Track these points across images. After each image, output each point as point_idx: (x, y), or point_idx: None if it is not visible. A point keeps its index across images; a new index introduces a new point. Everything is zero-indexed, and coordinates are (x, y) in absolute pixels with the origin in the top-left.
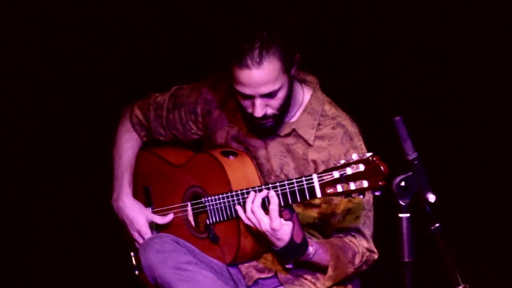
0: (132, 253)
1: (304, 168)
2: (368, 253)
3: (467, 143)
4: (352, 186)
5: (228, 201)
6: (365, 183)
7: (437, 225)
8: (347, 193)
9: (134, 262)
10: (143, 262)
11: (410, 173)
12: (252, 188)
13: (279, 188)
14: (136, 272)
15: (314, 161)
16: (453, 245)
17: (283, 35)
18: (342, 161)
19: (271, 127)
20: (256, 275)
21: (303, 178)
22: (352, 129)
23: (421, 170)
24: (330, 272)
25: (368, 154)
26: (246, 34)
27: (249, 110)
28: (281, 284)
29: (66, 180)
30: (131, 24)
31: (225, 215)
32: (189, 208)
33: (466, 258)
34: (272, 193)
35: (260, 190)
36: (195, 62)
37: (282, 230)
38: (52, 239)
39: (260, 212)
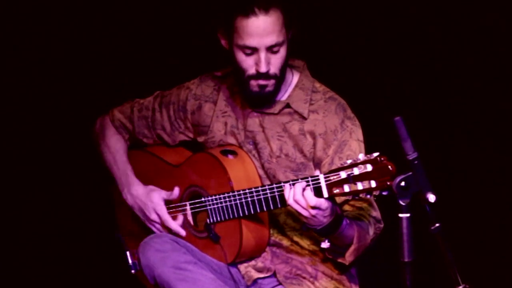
0: (127, 252)
1: (302, 143)
2: (377, 224)
3: (467, 143)
4: (360, 186)
5: (230, 201)
6: (373, 183)
7: (437, 225)
8: (354, 193)
9: (130, 261)
10: (142, 262)
11: (410, 173)
12: (255, 187)
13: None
14: (133, 271)
15: (310, 133)
16: (453, 245)
17: None
18: (349, 161)
19: (269, 94)
20: (255, 274)
21: (309, 178)
22: (344, 101)
23: (421, 170)
24: (355, 244)
25: (375, 154)
26: None
27: (251, 71)
28: (280, 284)
29: (62, 180)
30: (116, 28)
31: (227, 215)
32: (188, 207)
33: (466, 258)
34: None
35: (279, 187)
36: (178, 70)
37: (329, 207)
38: (48, 239)
39: (317, 204)
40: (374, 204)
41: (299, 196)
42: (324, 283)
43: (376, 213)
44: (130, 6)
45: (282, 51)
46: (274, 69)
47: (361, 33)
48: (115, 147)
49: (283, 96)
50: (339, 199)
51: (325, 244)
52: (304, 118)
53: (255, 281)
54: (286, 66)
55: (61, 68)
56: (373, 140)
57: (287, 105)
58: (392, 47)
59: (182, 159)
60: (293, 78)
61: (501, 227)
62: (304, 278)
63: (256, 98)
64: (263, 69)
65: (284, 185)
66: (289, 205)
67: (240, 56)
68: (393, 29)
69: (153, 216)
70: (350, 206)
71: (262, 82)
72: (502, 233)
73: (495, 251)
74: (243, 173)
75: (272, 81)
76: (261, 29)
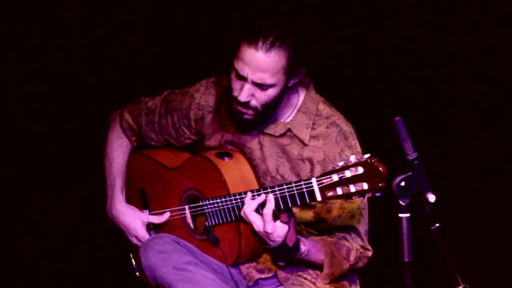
0: (131, 255)
1: (299, 168)
2: (361, 250)
3: (467, 143)
4: (352, 188)
5: (227, 204)
6: (365, 185)
7: (437, 225)
8: (347, 196)
9: (134, 264)
10: (143, 263)
11: (410, 173)
12: (251, 190)
13: (277, 192)
14: (137, 273)
15: (309, 160)
16: (453, 245)
17: (302, 39)
18: (341, 164)
19: (247, 121)
20: (256, 275)
21: (302, 182)
22: (347, 128)
23: (421, 170)
24: (326, 269)
25: (366, 156)
26: (271, 19)
27: (235, 93)
28: (281, 284)
29: (66, 180)
30: (120, 26)
31: (224, 218)
32: (187, 210)
33: (466, 258)
34: (270, 197)
35: (259, 194)
36: (186, 66)
37: (276, 233)
38: (52, 240)
39: (253, 215)
40: (362, 233)
41: (249, 211)
42: (325, 284)
43: (363, 242)
44: (137, 5)
45: (271, 91)
46: (256, 102)
47: (361, 33)
48: (113, 155)
49: (287, 118)
50: (324, 222)
51: (280, 262)
52: (305, 145)
53: (257, 281)
54: (273, 104)
55: (66, 68)
56: (373, 140)
57: (289, 130)
58: (392, 47)
59: (179, 162)
60: (299, 99)
61: (501, 227)
62: (305, 279)
63: (236, 119)
64: (241, 98)
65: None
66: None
67: (232, 75)
68: (393, 29)
69: (134, 241)
70: (335, 234)
71: (240, 108)
72: (502, 233)
73: (495, 251)
74: (239, 175)
75: (251, 112)
76: (254, 63)
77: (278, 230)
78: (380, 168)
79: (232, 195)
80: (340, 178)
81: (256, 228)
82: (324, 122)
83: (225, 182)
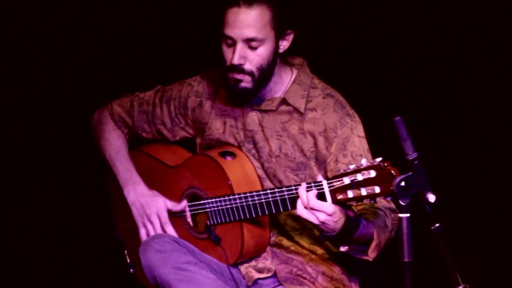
0: (125, 251)
1: (301, 142)
2: (392, 215)
3: (467, 143)
4: (364, 192)
5: (231, 203)
6: (377, 189)
7: (437, 225)
8: (358, 199)
9: (128, 261)
10: (143, 262)
11: (410, 173)
12: (257, 191)
13: (285, 192)
14: (131, 270)
15: (311, 133)
16: (453, 245)
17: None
18: (352, 166)
19: (245, 90)
20: (256, 275)
21: (312, 184)
22: (342, 98)
23: (421, 170)
24: (376, 239)
25: (378, 160)
26: None
27: (228, 61)
28: (280, 284)
29: (58, 178)
30: (115, 25)
31: (227, 217)
32: (187, 208)
33: (466, 258)
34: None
35: (290, 190)
36: (179, 67)
37: (337, 211)
38: (46, 239)
39: (315, 208)
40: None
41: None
42: (324, 283)
43: (390, 204)
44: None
45: (262, 50)
46: (250, 65)
47: (361, 33)
48: (117, 143)
49: (282, 94)
50: None
51: (343, 248)
52: (301, 114)
53: (256, 281)
54: (268, 68)
55: (58, 64)
56: (373, 140)
57: (284, 100)
58: (392, 47)
59: (180, 160)
60: (292, 75)
61: (501, 227)
62: (305, 278)
63: (233, 93)
64: (234, 60)
65: (299, 193)
66: (299, 214)
67: (223, 47)
68: (393, 29)
69: (153, 218)
70: (363, 207)
71: (236, 75)
72: (502, 233)
73: (495, 251)
74: (242, 174)
75: (247, 78)
76: (240, 20)
77: (337, 207)
78: (393, 172)
79: (236, 195)
80: (351, 181)
81: (320, 219)
82: (319, 93)
83: (229, 182)
